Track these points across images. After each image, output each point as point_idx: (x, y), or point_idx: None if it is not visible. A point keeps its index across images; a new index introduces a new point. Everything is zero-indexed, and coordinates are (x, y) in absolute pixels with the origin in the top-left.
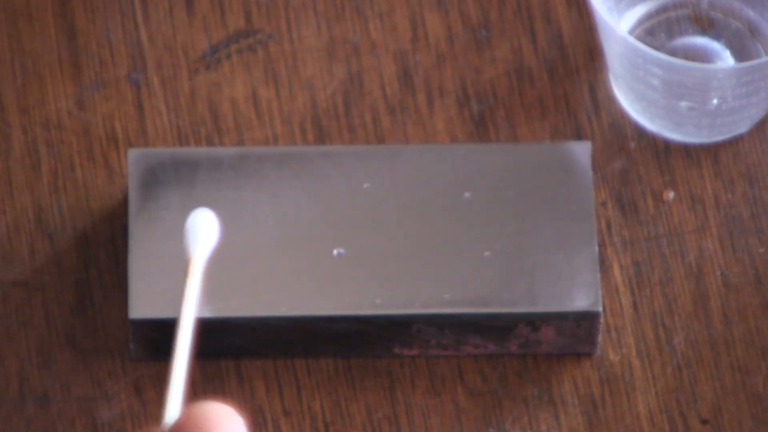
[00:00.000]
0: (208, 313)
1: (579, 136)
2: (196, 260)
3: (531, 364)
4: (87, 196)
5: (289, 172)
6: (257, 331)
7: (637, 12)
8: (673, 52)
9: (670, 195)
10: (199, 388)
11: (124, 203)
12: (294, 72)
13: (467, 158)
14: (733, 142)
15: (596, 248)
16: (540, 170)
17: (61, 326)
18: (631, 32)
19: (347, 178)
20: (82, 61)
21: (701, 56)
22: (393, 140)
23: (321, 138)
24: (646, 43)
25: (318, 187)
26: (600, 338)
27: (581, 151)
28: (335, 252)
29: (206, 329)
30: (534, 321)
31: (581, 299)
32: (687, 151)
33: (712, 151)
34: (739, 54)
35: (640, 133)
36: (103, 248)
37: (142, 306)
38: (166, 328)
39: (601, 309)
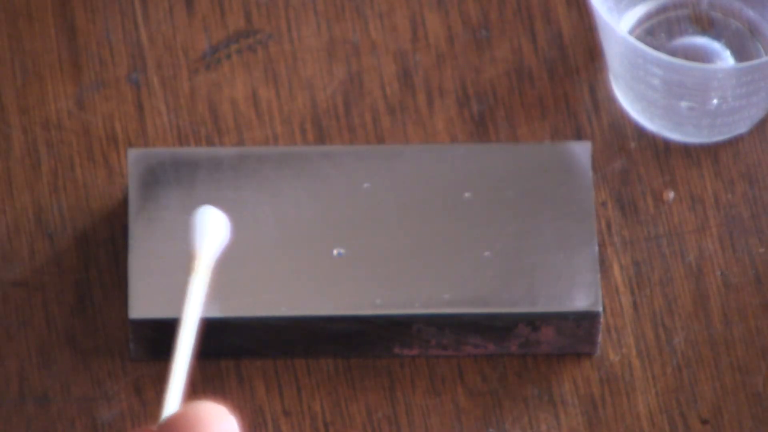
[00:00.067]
0: (208, 313)
1: (579, 136)
2: (201, 258)
3: (531, 364)
4: (87, 196)
5: (289, 172)
6: (257, 331)
7: (637, 12)
8: (673, 52)
9: (670, 195)
10: (199, 388)
11: (124, 203)
12: (294, 72)
13: (467, 158)
14: (733, 142)
15: (596, 248)
16: (540, 170)
17: (61, 326)
18: (631, 32)
19: (347, 178)
20: (82, 61)
21: (701, 56)
22: (393, 140)
23: (321, 138)
24: (646, 43)
25: (318, 187)
26: (600, 338)
27: (581, 151)
28: (335, 252)
29: (206, 329)
30: (534, 321)
31: (581, 299)
32: (687, 151)
33: (712, 151)
34: (739, 54)
35: (640, 133)
36: (103, 248)
37: (142, 306)
38: (166, 328)
39: (601, 309)
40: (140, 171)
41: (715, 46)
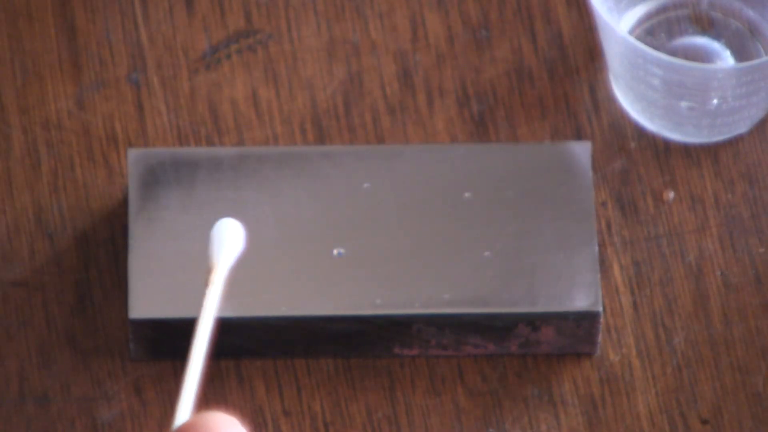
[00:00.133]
0: None
1: (579, 136)
2: (219, 269)
3: (531, 364)
4: (87, 196)
5: (289, 172)
6: (257, 331)
7: (637, 12)
8: (673, 52)
9: (670, 195)
10: (199, 388)
11: (124, 203)
12: (294, 72)
13: (467, 158)
14: (733, 142)
15: (596, 248)
16: (540, 170)
17: (61, 326)
18: (631, 32)
19: (347, 178)
20: (82, 61)
21: (701, 56)
22: (393, 140)
23: (321, 138)
24: (646, 43)
25: (318, 187)
26: (600, 338)
27: (581, 151)
28: (335, 252)
29: None
30: (534, 321)
31: (581, 299)
32: (687, 151)
33: (712, 151)
34: (739, 54)
35: (640, 133)
36: (103, 248)
37: (142, 306)
38: (166, 328)
39: (601, 309)
40: (140, 171)
41: (715, 46)
